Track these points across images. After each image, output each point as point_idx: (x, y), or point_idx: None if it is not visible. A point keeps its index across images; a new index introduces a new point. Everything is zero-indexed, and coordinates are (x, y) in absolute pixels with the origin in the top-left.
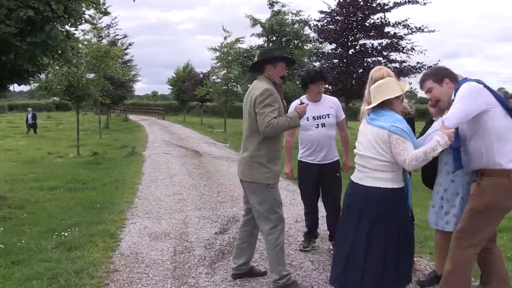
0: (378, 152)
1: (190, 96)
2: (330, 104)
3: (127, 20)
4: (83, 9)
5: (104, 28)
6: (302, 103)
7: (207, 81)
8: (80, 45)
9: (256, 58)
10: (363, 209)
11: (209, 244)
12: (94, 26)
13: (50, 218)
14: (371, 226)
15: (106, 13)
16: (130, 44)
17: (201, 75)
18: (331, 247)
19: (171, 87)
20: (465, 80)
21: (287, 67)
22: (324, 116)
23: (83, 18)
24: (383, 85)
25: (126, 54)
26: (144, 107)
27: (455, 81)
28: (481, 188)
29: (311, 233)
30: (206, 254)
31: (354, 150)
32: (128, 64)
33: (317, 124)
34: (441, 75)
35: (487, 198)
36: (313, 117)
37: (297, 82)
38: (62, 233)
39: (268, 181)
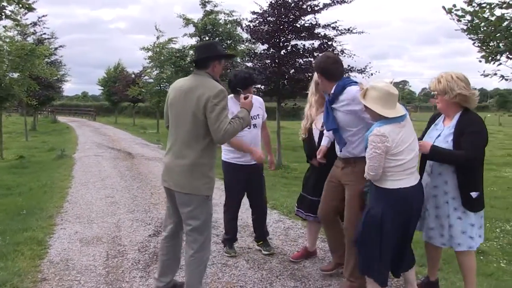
0: (417, 142)
1: (121, 96)
2: (258, 105)
3: (54, 17)
4: (3, 3)
5: (30, 26)
6: (246, 97)
7: (139, 81)
8: (0, 42)
9: (197, 52)
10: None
11: (143, 247)
12: (17, 23)
13: None
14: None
15: (30, 8)
16: (61, 46)
17: (133, 75)
18: (257, 247)
19: (102, 88)
20: (348, 80)
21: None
22: (255, 117)
23: (3, 14)
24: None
25: (55, 54)
26: (73, 108)
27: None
28: (359, 174)
29: (234, 239)
30: (140, 258)
31: (411, 155)
32: (56, 63)
33: (250, 125)
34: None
35: (363, 181)
36: None
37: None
38: None
39: (208, 192)
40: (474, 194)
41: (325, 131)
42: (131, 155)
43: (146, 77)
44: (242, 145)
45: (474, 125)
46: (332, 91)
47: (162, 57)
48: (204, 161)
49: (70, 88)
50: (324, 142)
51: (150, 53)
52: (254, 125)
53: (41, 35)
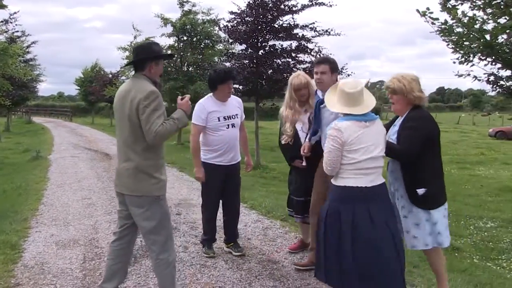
0: (384, 148)
1: (98, 97)
2: (237, 104)
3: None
4: None
5: (1, 24)
6: (183, 98)
7: (116, 82)
8: None
9: (133, 53)
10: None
11: None
12: None
13: None
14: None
15: (1, 6)
16: (33, 43)
17: (110, 75)
18: (226, 249)
19: (79, 88)
20: None
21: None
22: (233, 116)
23: None
24: (365, 91)
25: (29, 52)
26: (49, 108)
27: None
28: None
29: (213, 240)
30: None
31: (364, 156)
32: (30, 63)
33: (228, 125)
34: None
35: None
36: (224, 117)
37: (207, 82)
38: None
39: (158, 192)
40: (420, 191)
41: (311, 128)
42: (108, 156)
43: (124, 77)
44: (194, 154)
45: (413, 120)
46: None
47: None
48: (148, 163)
49: (45, 88)
50: (309, 139)
51: (127, 53)
52: (232, 125)
53: (13, 33)
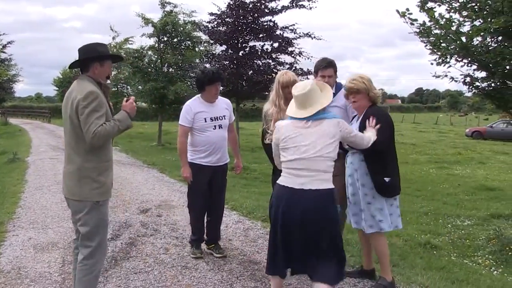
0: (329, 151)
1: None
2: (225, 106)
3: (2, 14)
4: None
5: None
6: (127, 99)
7: None
8: None
9: (78, 54)
10: (311, 213)
11: None
12: None
13: None
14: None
15: None
16: (9, 42)
17: None
18: (208, 250)
19: (57, 89)
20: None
21: (113, 63)
22: (221, 118)
23: None
24: (315, 92)
25: (4, 52)
26: (27, 109)
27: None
28: (342, 168)
29: (201, 240)
30: None
31: (294, 156)
32: (6, 63)
33: (215, 126)
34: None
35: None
36: (211, 118)
37: (188, 83)
38: None
39: (98, 198)
40: (387, 179)
41: None
42: None
43: None
44: (181, 155)
45: (378, 116)
46: (333, 90)
47: None
48: (90, 165)
49: (22, 89)
50: None
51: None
52: (220, 126)
53: None
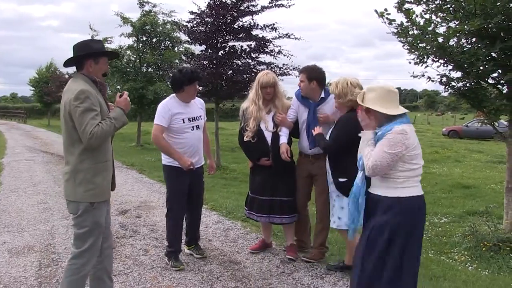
0: None
1: (55, 98)
2: (200, 106)
3: None
4: None
5: None
6: (121, 95)
7: None
8: None
9: (72, 51)
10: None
11: None
12: None
13: None
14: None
15: None
16: None
17: (67, 76)
18: (187, 251)
19: (33, 89)
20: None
21: (110, 60)
22: (198, 118)
23: None
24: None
25: None
26: (1, 110)
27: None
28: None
29: (179, 251)
30: None
31: (421, 162)
32: None
33: (193, 127)
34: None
35: None
36: (189, 119)
37: (168, 83)
38: None
39: (92, 199)
40: (342, 180)
41: (282, 130)
42: None
43: None
44: (170, 150)
45: (341, 121)
46: (323, 95)
47: None
48: (84, 167)
49: None
50: (285, 140)
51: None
52: (197, 127)
53: None
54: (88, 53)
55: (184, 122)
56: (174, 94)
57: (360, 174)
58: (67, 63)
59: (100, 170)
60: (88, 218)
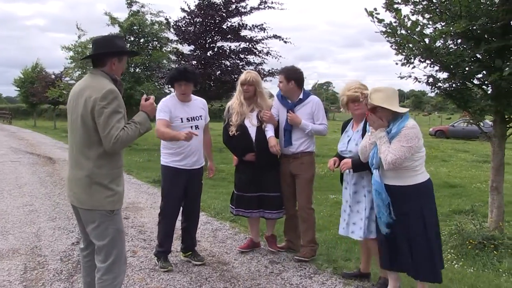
0: None
1: (41, 98)
2: (201, 106)
3: None
4: None
5: None
6: (147, 99)
7: (59, 83)
8: None
9: (94, 47)
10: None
11: (65, 256)
12: None
13: None
14: None
15: None
16: None
17: (53, 76)
18: (184, 258)
19: (18, 89)
20: (307, 90)
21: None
22: (197, 118)
23: None
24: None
25: None
26: None
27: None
28: (308, 165)
29: (168, 252)
30: (63, 267)
31: (423, 152)
32: None
33: (191, 126)
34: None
35: (311, 171)
36: (187, 119)
37: (156, 84)
38: None
39: (112, 207)
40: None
41: (268, 126)
42: (52, 160)
43: (67, 78)
44: (164, 134)
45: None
46: (301, 97)
47: None
48: (103, 172)
49: None
50: (272, 134)
51: (71, 53)
52: (196, 127)
53: None
54: (115, 51)
55: (182, 122)
56: (174, 93)
57: (376, 172)
58: (86, 57)
59: (116, 175)
60: (110, 227)
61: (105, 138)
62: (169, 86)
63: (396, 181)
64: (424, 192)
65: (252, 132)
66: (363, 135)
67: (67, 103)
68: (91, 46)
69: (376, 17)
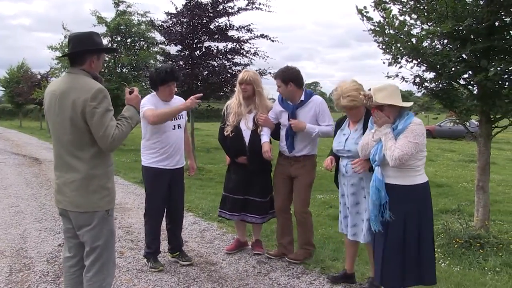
0: None
1: (26, 99)
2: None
3: None
4: None
5: None
6: (131, 91)
7: (45, 83)
8: None
9: (71, 44)
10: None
11: (52, 258)
12: None
13: None
14: None
15: None
16: None
17: (39, 76)
18: (172, 259)
19: (4, 89)
20: (309, 90)
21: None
22: (179, 117)
23: None
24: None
25: None
26: None
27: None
28: (308, 168)
29: (157, 252)
30: (49, 269)
31: (425, 152)
32: None
33: (174, 126)
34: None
35: (311, 174)
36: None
37: (143, 84)
38: None
39: (108, 206)
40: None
41: (264, 130)
42: (38, 160)
43: (54, 78)
44: (167, 112)
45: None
46: (303, 98)
47: None
48: (98, 172)
49: None
50: (267, 139)
51: (58, 53)
52: (179, 126)
53: None
54: (94, 48)
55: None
56: (154, 93)
57: (378, 169)
58: (65, 55)
59: (111, 174)
60: (105, 227)
61: (102, 138)
62: (155, 88)
63: (396, 180)
64: (421, 194)
65: (246, 135)
66: (363, 134)
67: (46, 105)
68: (67, 43)
69: (365, 16)
